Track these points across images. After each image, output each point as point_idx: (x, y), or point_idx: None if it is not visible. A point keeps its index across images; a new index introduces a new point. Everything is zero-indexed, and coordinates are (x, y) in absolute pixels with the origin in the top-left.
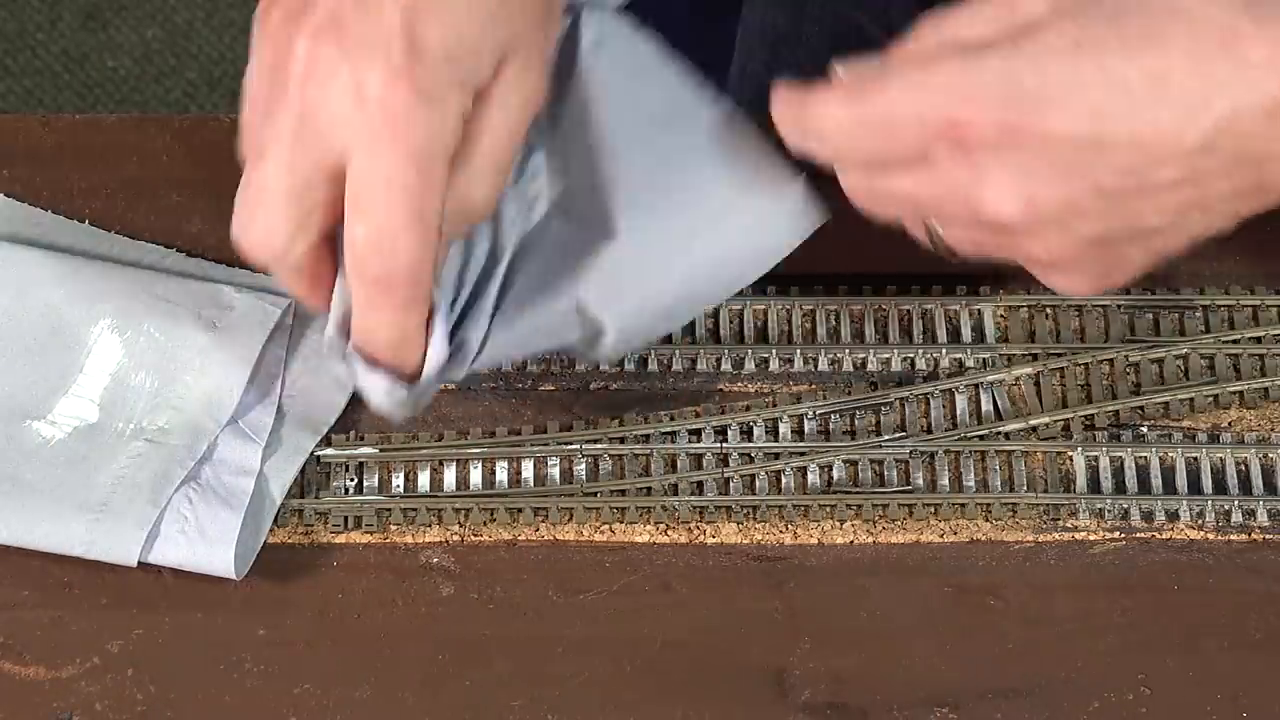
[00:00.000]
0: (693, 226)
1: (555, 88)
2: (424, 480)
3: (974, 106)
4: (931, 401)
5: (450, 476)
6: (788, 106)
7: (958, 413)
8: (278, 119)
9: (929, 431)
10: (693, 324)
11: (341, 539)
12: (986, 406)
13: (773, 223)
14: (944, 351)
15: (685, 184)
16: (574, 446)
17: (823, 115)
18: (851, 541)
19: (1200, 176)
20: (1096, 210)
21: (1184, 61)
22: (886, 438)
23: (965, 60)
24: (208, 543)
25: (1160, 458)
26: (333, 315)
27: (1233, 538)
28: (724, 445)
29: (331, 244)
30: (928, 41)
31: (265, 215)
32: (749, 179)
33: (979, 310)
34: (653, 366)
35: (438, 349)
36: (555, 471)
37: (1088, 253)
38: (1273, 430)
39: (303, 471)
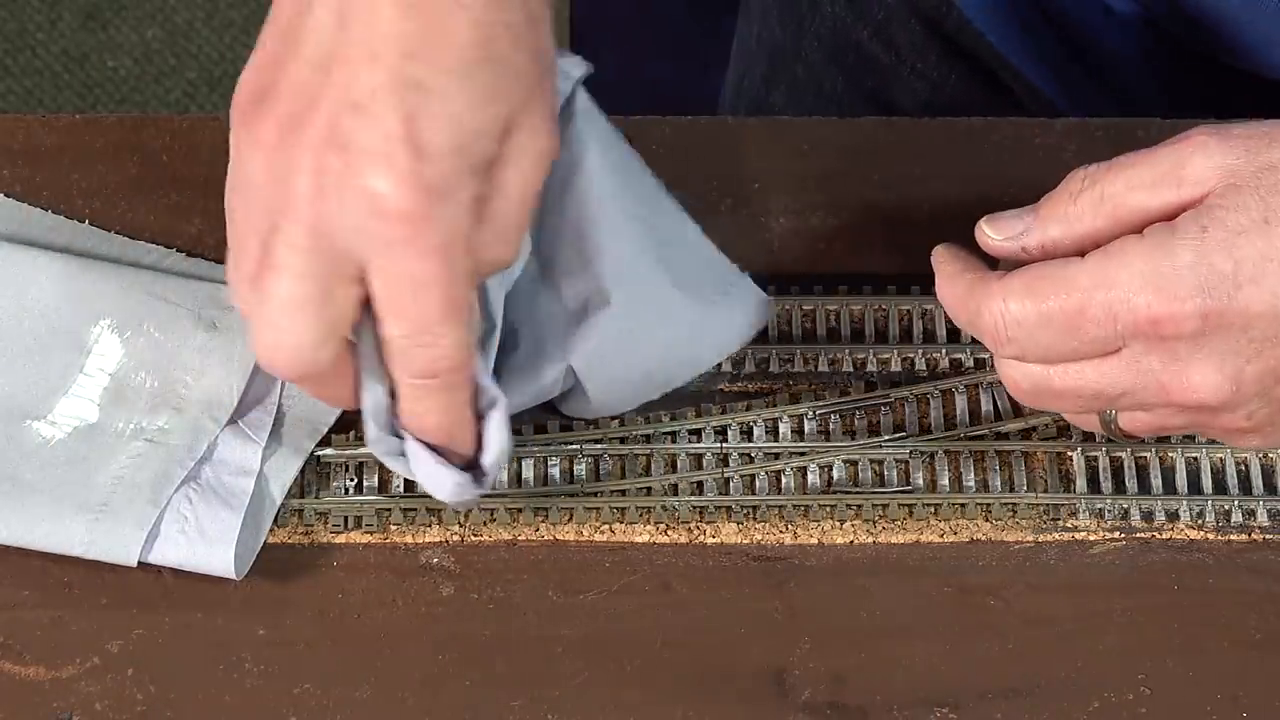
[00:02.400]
0: (678, 304)
1: None
2: None
3: (1173, 301)
4: (931, 401)
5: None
6: (957, 290)
7: (957, 413)
8: (287, 233)
9: (929, 431)
10: None
11: (341, 539)
12: (986, 406)
13: (740, 315)
14: (944, 351)
15: (672, 263)
16: (575, 446)
17: (1003, 311)
18: (851, 541)
19: None
20: None
21: None
22: (886, 438)
23: (1155, 252)
24: (208, 543)
25: (1160, 458)
26: (370, 420)
27: (1233, 538)
28: (724, 445)
29: (351, 345)
30: (1084, 205)
31: (293, 330)
32: (720, 271)
33: None
34: None
35: (502, 435)
36: (556, 471)
37: None
38: None
39: (303, 471)
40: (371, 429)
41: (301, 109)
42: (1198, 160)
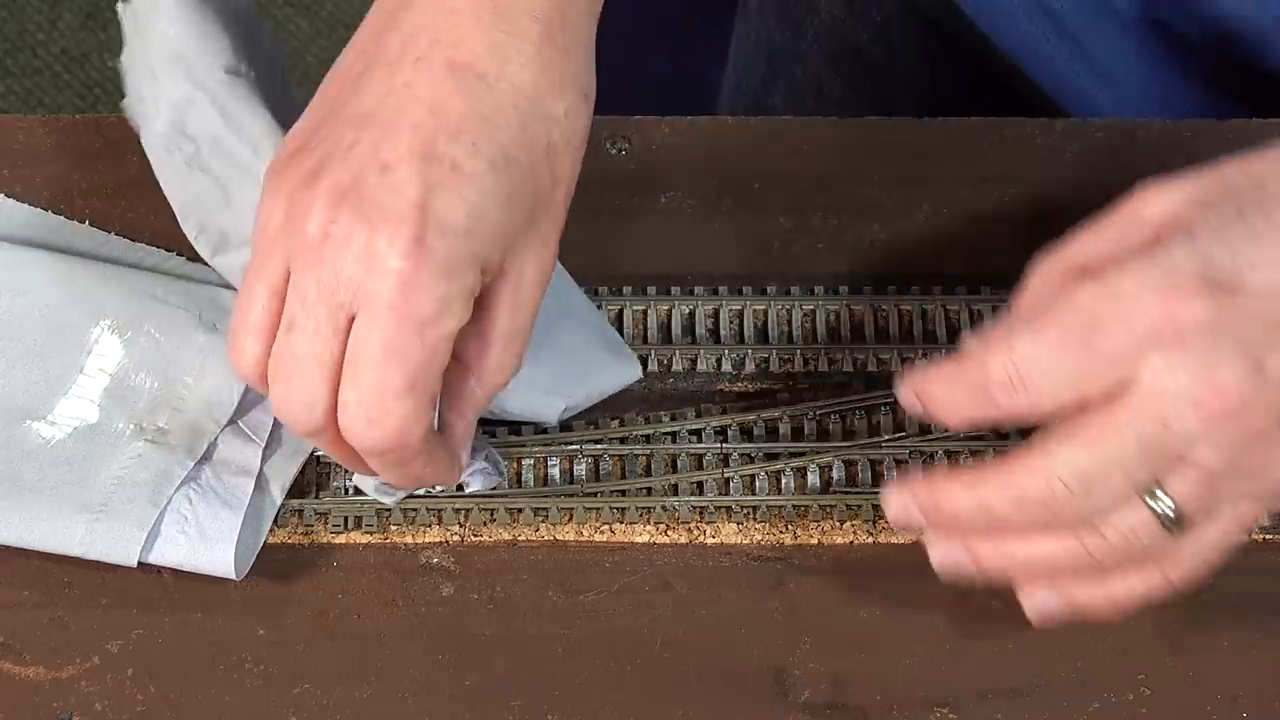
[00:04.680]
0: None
1: None
2: None
3: (1181, 289)
4: None
5: None
6: (946, 375)
7: None
8: (300, 284)
9: (929, 432)
10: (693, 324)
11: (341, 539)
12: None
13: (623, 370)
14: (944, 351)
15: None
16: (575, 446)
17: (1011, 353)
18: (851, 541)
19: None
20: None
21: None
22: (886, 438)
23: (1151, 256)
24: (208, 543)
25: None
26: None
27: None
28: (724, 445)
29: None
30: (1040, 283)
31: (302, 384)
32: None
33: (979, 310)
34: (653, 367)
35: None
36: (556, 471)
37: None
38: None
39: (303, 471)
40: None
41: (330, 160)
42: (1156, 200)
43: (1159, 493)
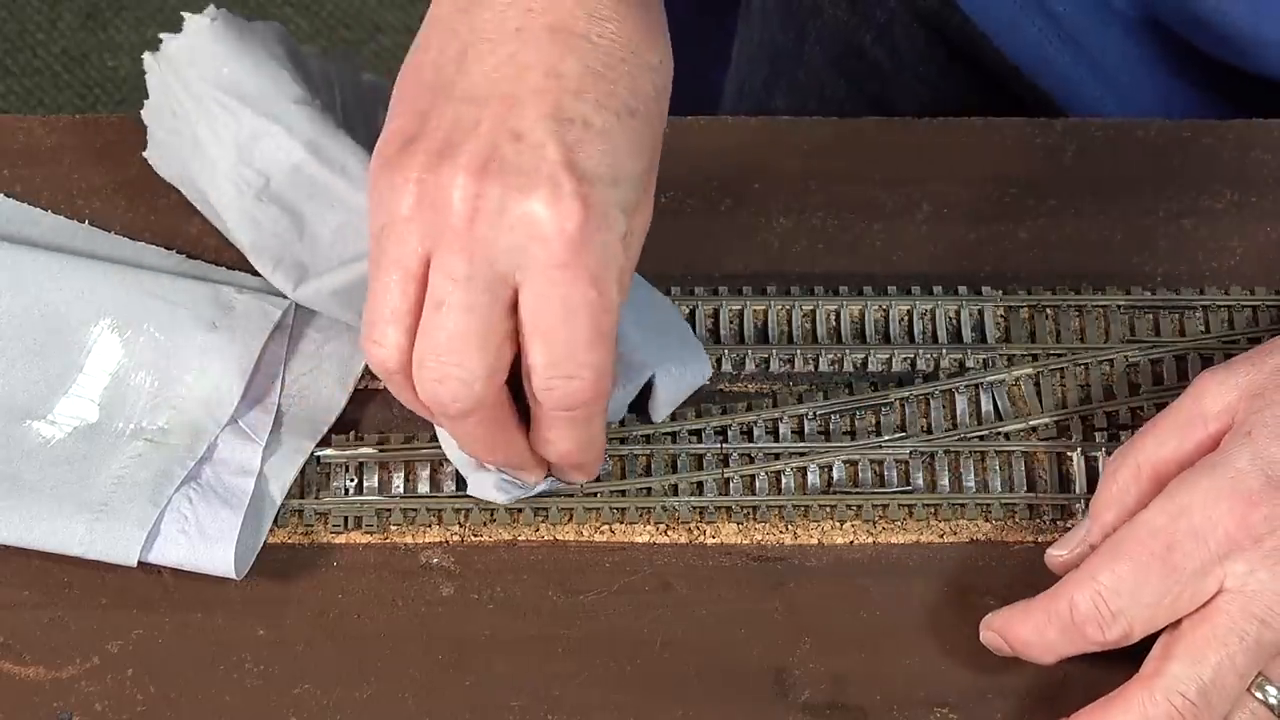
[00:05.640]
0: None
1: None
2: (424, 480)
3: (1250, 497)
4: (931, 402)
5: (450, 476)
6: (1034, 617)
7: (958, 413)
8: (445, 263)
9: (929, 432)
10: (693, 324)
11: (341, 539)
12: (986, 406)
13: (695, 370)
14: (944, 351)
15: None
16: None
17: (1098, 588)
18: (851, 542)
19: None
20: None
21: None
22: (886, 438)
23: (1213, 471)
24: (208, 542)
25: None
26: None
27: None
28: (724, 445)
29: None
30: (1124, 480)
31: (460, 361)
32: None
33: (979, 310)
34: None
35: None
36: None
37: None
38: None
39: (303, 471)
40: (458, 459)
41: (456, 139)
42: (1213, 393)
43: (1268, 686)
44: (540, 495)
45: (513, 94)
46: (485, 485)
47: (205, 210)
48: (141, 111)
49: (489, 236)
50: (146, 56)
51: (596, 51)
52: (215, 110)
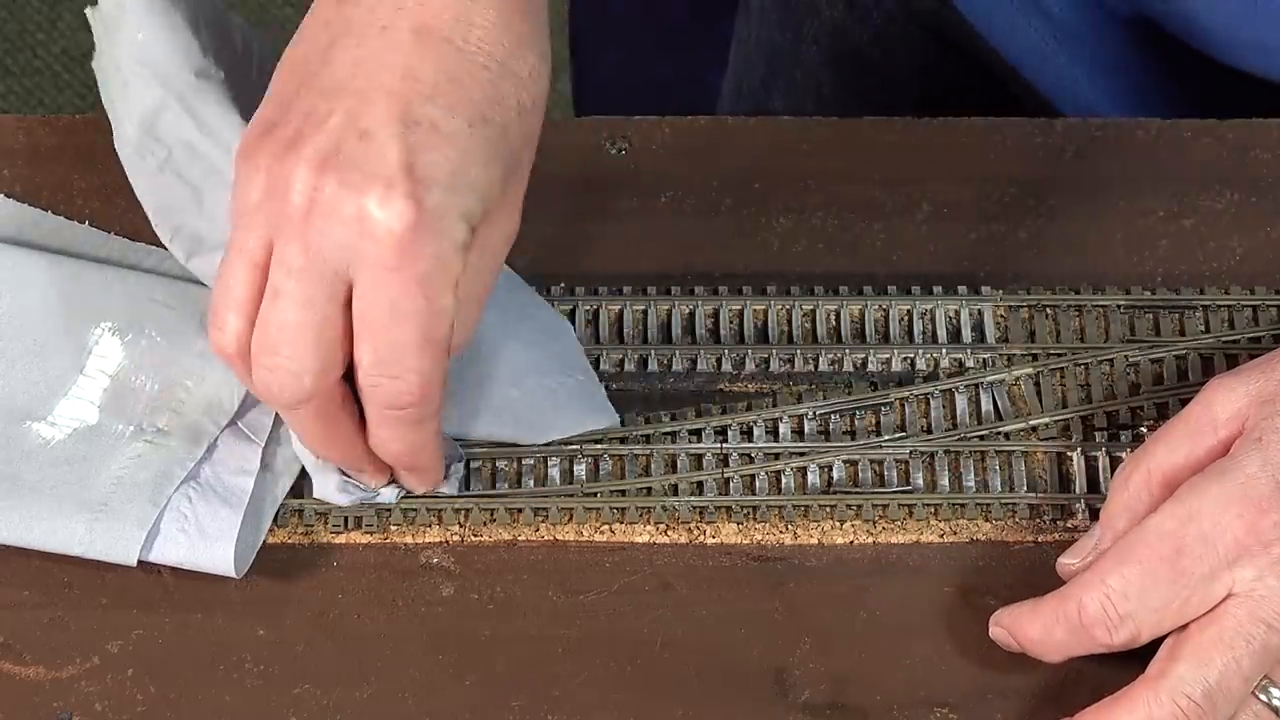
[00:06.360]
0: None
1: None
2: None
3: (1260, 503)
4: (931, 401)
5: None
6: (1042, 618)
7: (958, 413)
8: (285, 254)
9: (929, 431)
10: (693, 324)
11: (341, 539)
12: (986, 406)
13: (593, 409)
14: (944, 351)
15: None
16: (574, 446)
17: (1106, 592)
18: (851, 541)
19: None
20: None
21: None
22: (886, 438)
23: (1223, 476)
24: (208, 541)
25: None
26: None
27: None
28: (724, 445)
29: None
30: (1136, 486)
31: (291, 353)
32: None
33: (979, 310)
34: (653, 367)
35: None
36: (555, 471)
37: None
38: None
39: (303, 471)
40: (300, 451)
41: (307, 131)
42: (1223, 399)
43: (1272, 689)
44: (382, 504)
45: (366, 91)
46: (329, 486)
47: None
48: (92, 63)
49: (323, 230)
50: (88, 10)
51: (459, 57)
52: (128, 76)
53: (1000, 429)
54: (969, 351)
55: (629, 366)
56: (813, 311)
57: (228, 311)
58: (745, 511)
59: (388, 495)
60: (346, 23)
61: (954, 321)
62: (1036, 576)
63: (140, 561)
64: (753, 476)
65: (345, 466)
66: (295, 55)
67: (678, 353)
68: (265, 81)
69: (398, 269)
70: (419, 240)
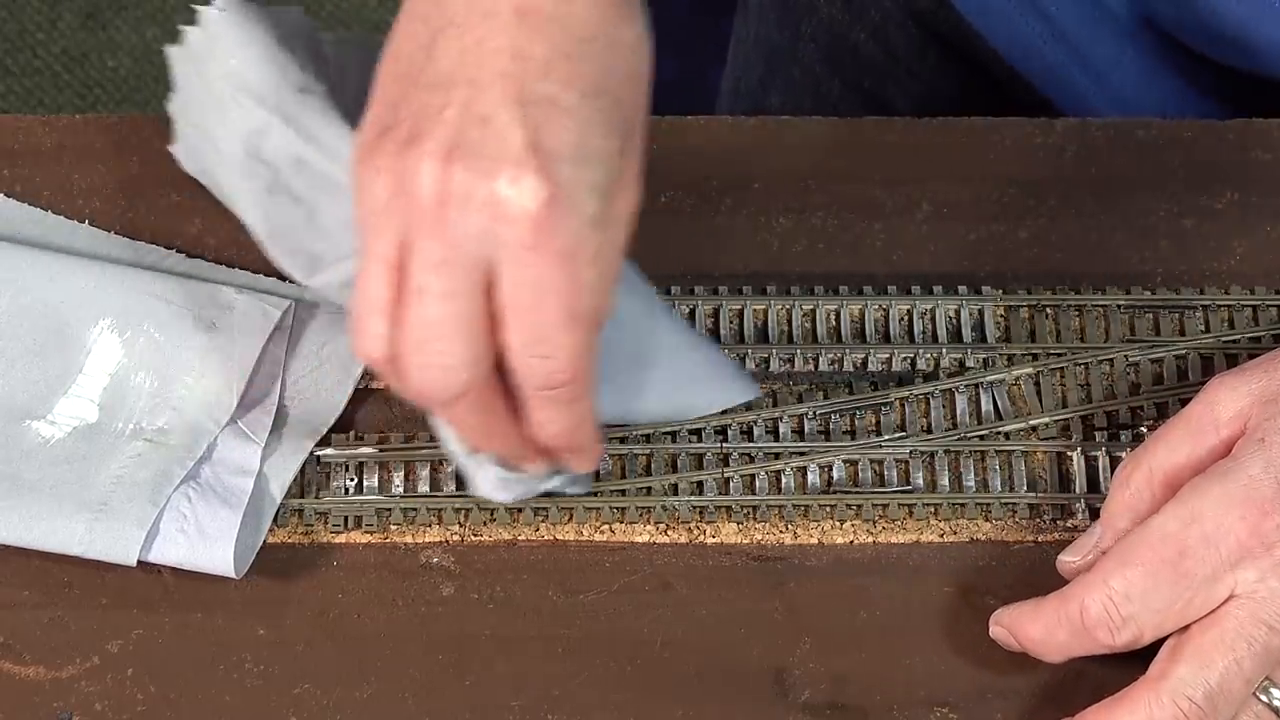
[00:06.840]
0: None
1: None
2: (424, 480)
3: (1263, 505)
4: (931, 401)
5: (450, 476)
6: (1044, 618)
7: (958, 413)
8: (421, 251)
9: (929, 431)
10: (693, 324)
11: (341, 539)
12: (986, 406)
13: (735, 382)
14: (944, 351)
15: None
16: None
17: (1109, 593)
18: (851, 541)
19: None
20: None
21: None
22: (886, 438)
23: (1225, 477)
24: (207, 541)
25: None
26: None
27: None
28: (724, 445)
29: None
30: (1138, 485)
31: (442, 348)
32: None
33: (979, 310)
34: None
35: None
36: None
37: None
38: None
39: (303, 471)
40: (456, 449)
41: (424, 125)
42: (1225, 399)
43: (1273, 690)
44: (546, 495)
45: (478, 78)
46: (487, 484)
47: (226, 203)
48: (168, 104)
49: (459, 221)
50: (170, 49)
51: (565, 32)
52: (226, 103)
53: (1000, 429)
54: (969, 351)
55: None
56: (813, 311)
57: (371, 316)
58: (745, 511)
59: (551, 484)
60: (446, 15)
61: (954, 321)
62: (1036, 576)
63: (140, 561)
64: (753, 476)
65: (507, 457)
66: (396, 55)
67: None
68: (362, 95)
69: (537, 247)
70: (555, 216)
